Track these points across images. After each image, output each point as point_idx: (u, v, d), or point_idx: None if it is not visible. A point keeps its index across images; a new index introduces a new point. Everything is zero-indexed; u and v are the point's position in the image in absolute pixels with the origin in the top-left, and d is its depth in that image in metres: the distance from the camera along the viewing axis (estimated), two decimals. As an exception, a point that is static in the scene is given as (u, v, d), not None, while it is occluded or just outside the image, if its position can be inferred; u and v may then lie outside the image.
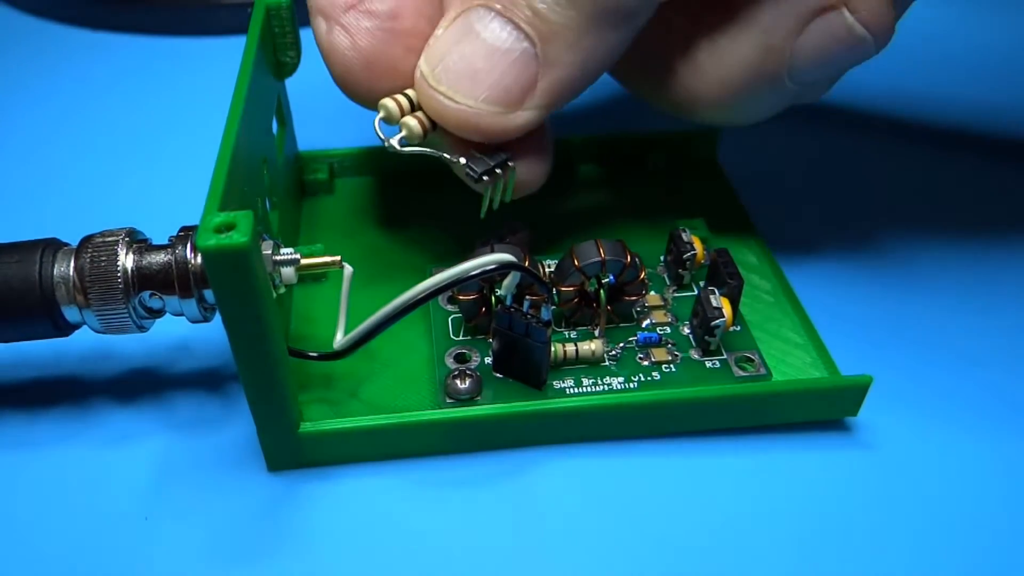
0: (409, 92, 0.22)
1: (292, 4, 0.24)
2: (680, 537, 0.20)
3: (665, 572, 0.19)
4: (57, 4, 0.41)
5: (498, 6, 0.20)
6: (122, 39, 0.40)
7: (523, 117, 0.21)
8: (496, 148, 0.22)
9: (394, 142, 0.21)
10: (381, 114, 0.22)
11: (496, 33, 0.20)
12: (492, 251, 0.20)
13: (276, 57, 0.25)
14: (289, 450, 0.21)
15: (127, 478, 0.21)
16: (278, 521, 0.20)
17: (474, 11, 0.20)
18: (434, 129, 0.22)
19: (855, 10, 0.21)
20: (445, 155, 0.22)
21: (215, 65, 0.38)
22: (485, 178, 0.22)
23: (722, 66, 0.23)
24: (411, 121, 0.21)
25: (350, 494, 0.21)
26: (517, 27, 0.20)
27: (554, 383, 0.22)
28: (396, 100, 0.21)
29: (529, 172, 0.23)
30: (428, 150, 0.22)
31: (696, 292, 0.25)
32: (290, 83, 0.27)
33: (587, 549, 0.20)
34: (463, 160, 0.22)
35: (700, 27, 0.23)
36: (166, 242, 0.20)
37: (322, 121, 0.33)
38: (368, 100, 0.22)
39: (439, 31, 0.21)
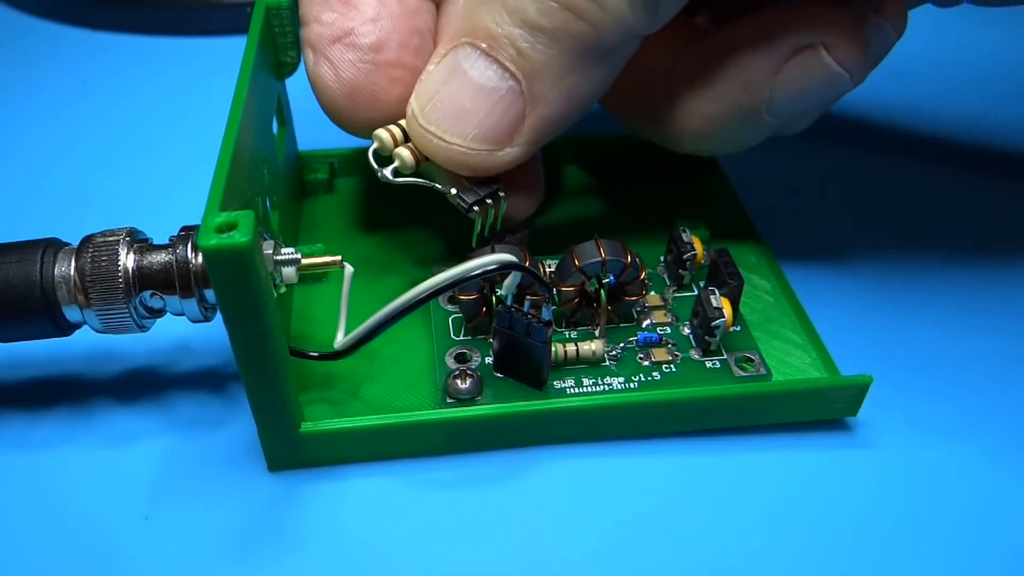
0: (402, 123, 0.22)
1: (292, 4, 0.24)
2: (680, 536, 0.20)
3: (666, 571, 0.19)
4: (57, 4, 0.41)
5: (484, 45, 0.20)
6: (122, 39, 0.40)
7: (511, 154, 0.21)
8: (487, 179, 0.23)
9: (387, 172, 0.22)
10: (375, 144, 0.22)
11: (482, 72, 0.20)
12: (493, 251, 0.20)
13: (277, 57, 0.25)
14: (290, 450, 0.21)
15: (128, 478, 0.21)
16: (279, 521, 0.20)
17: (461, 49, 0.21)
18: (426, 159, 0.22)
19: (831, 48, 0.21)
20: (437, 185, 0.22)
21: (215, 65, 0.38)
22: (476, 208, 0.22)
23: (703, 102, 0.23)
24: (404, 152, 0.22)
25: (351, 494, 0.21)
26: (502, 66, 0.20)
27: (555, 383, 0.22)
28: (389, 131, 0.22)
29: (519, 203, 0.24)
30: (420, 180, 0.22)
31: (696, 292, 0.25)
32: (290, 83, 0.27)
33: (588, 549, 0.20)
34: (454, 191, 0.22)
35: (682, 63, 0.24)
36: (166, 242, 0.20)
37: (322, 121, 0.32)
38: (353, 128, 0.23)
39: (430, 67, 0.21)
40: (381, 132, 0.22)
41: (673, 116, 0.24)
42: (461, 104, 0.21)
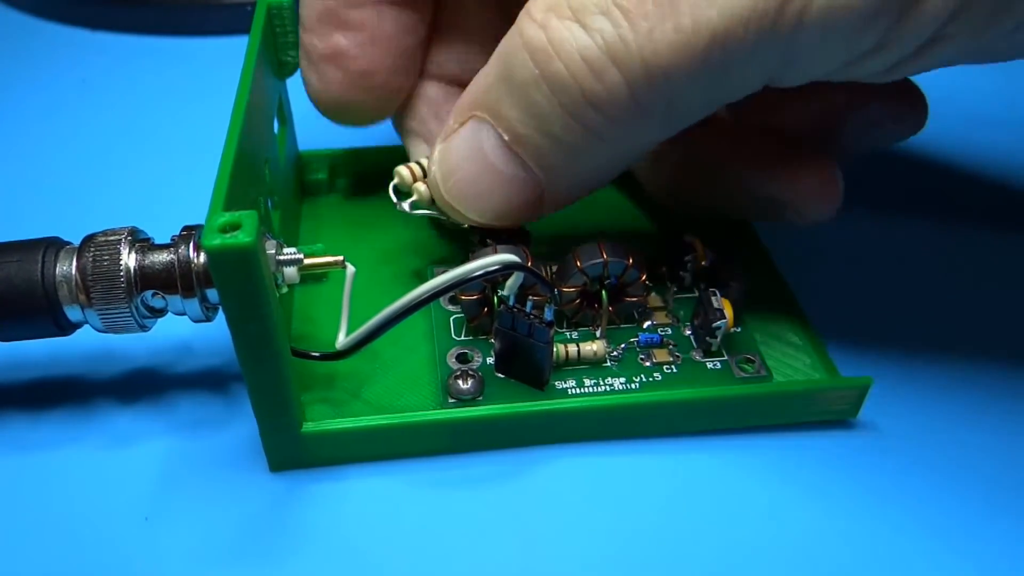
0: (422, 161, 0.24)
1: (294, 4, 0.24)
2: (681, 535, 0.20)
3: (666, 570, 0.19)
4: (57, 4, 0.41)
5: (506, 137, 0.20)
6: (122, 39, 0.40)
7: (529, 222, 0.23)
8: None
9: (405, 205, 0.24)
10: (395, 180, 0.24)
11: (503, 161, 0.21)
12: (495, 251, 0.20)
13: (278, 56, 0.25)
14: (291, 450, 0.21)
15: (129, 478, 0.21)
16: (280, 521, 0.20)
17: (484, 129, 0.21)
18: None
19: (801, 210, 0.24)
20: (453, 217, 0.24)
21: (215, 65, 0.38)
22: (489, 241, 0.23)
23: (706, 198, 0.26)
24: (422, 187, 0.23)
25: (352, 494, 0.21)
26: (523, 162, 0.20)
27: (556, 383, 0.22)
28: (409, 168, 0.24)
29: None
30: (436, 213, 0.23)
31: (697, 294, 0.25)
32: (291, 82, 0.27)
33: (589, 548, 0.20)
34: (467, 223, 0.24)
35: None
36: (168, 241, 0.20)
37: (322, 121, 0.33)
38: (341, 123, 0.26)
39: (452, 124, 0.21)
40: (401, 169, 0.24)
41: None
42: (480, 187, 0.21)
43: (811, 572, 0.19)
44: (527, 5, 0.19)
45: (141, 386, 0.23)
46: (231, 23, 0.39)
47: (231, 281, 0.17)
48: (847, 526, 0.20)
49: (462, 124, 0.21)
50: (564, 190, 0.22)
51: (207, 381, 0.23)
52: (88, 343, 0.23)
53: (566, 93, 0.19)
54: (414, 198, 0.23)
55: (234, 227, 0.16)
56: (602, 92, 0.18)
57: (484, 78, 0.21)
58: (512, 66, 0.19)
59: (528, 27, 0.19)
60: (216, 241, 0.16)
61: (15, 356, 0.23)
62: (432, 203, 0.24)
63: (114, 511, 0.20)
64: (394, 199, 0.24)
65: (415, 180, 0.24)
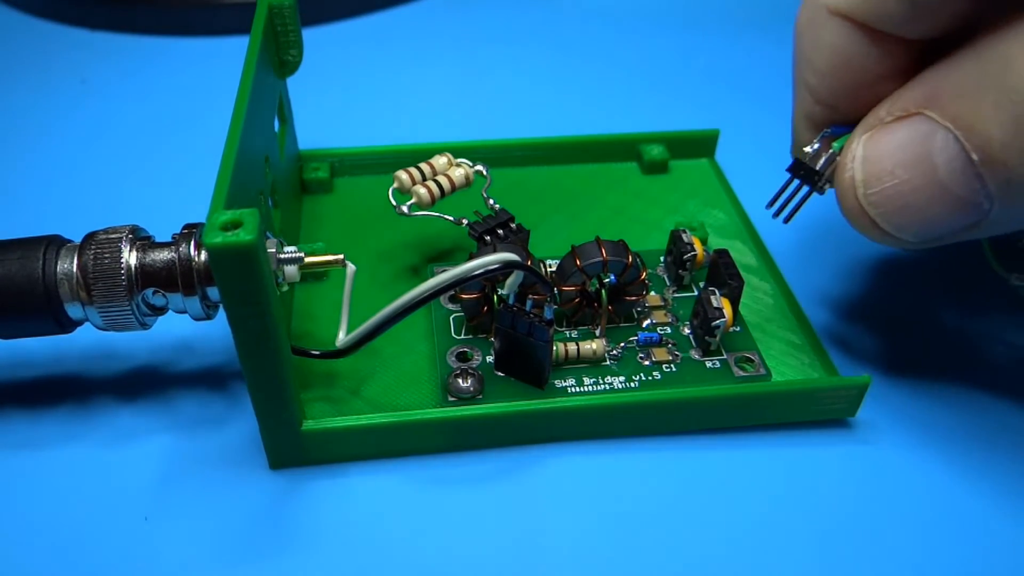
0: (422, 166, 0.24)
1: (295, 3, 0.25)
2: (680, 533, 0.20)
3: (666, 568, 0.19)
4: (57, 4, 0.41)
5: (974, 157, 0.17)
6: (122, 39, 0.40)
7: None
8: (500, 211, 0.25)
9: (404, 208, 0.24)
10: (395, 184, 0.24)
11: (958, 180, 0.17)
12: (495, 250, 0.20)
13: (279, 56, 0.25)
14: (291, 448, 0.21)
15: (129, 476, 0.21)
16: (280, 519, 0.20)
17: (940, 136, 0.17)
18: (442, 196, 0.24)
19: None
20: (449, 217, 0.24)
21: (215, 65, 0.38)
22: (486, 238, 0.24)
23: None
24: (420, 190, 0.24)
25: (352, 492, 0.21)
26: (986, 188, 0.17)
27: (555, 382, 0.22)
28: (408, 172, 0.24)
29: None
30: (435, 214, 0.24)
31: (696, 293, 0.25)
32: (291, 82, 0.27)
33: (589, 546, 0.20)
34: (465, 222, 0.24)
35: None
36: (168, 240, 0.20)
37: (323, 120, 0.33)
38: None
39: (886, 114, 0.18)
40: (401, 173, 0.24)
41: None
42: (917, 203, 0.18)
43: (810, 571, 0.19)
44: None
45: (141, 384, 0.23)
46: (231, 23, 0.39)
47: (232, 279, 0.17)
48: (845, 525, 0.20)
49: (903, 118, 0.18)
50: (1007, 226, 0.18)
51: (207, 379, 0.23)
52: (89, 341, 0.23)
53: None
54: (412, 201, 0.24)
55: (235, 225, 0.16)
56: None
57: (954, 75, 0.17)
58: (1016, 82, 0.16)
59: None
60: (218, 239, 0.16)
61: (16, 354, 0.23)
62: (432, 204, 0.24)
63: (114, 509, 0.20)
64: (393, 202, 0.24)
65: (414, 183, 0.24)
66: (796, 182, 0.22)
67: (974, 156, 0.17)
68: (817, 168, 0.21)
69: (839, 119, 0.20)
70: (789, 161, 0.22)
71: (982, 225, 0.18)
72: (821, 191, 0.21)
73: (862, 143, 0.19)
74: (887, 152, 0.18)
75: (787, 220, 0.22)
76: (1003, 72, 0.16)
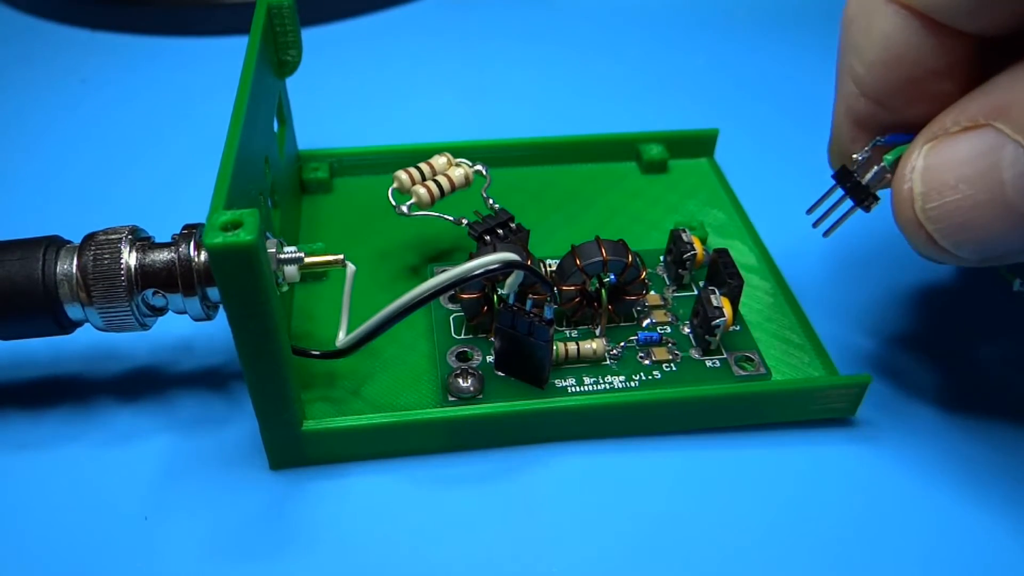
0: (421, 166, 0.24)
1: (294, 3, 0.25)
2: (680, 532, 0.20)
3: (666, 566, 0.19)
4: (57, 4, 0.41)
5: None
6: (122, 39, 0.40)
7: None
8: (499, 211, 0.25)
9: (404, 208, 0.24)
10: (395, 184, 0.24)
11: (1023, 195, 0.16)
12: (495, 250, 0.20)
13: (278, 56, 0.25)
14: (292, 448, 0.21)
15: (129, 477, 0.21)
16: (281, 519, 0.20)
17: (1010, 149, 0.16)
18: (442, 196, 0.24)
19: None
20: (448, 217, 0.24)
21: (215, 65, 0.38)
22: (487, 237, 0.24)
23: None
24: (420, 190, 0.24)
25: (352, 492, 0.21)
26: None
27: (555, 382, 0.22)
28: (408, 172, 0.24)
29: None
30: (435, 213, 0.24)
31: (696, 292, 0.25)
32: (290, 82, 0.27)
33: (589, 545, 0.20)
34: (465, 222, 0.24)
35: None
36: (168, 240, 0.20)
37: (322, 120, 0.33)
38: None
39: (951, 123, 0.17)
40: (400, 173, 0.24)
41: None
42: (980, 220, 0.17)
43: (810, 570, 0.19)
44: None
45: (141, 384, 0.23)
46: (231, 23, 0.39)
47: (232, 279, 0.17)
48: (845, 523, 0.20)
49: (970, 129, 0.17)
50: None
51: (207, 379, 0.23)
52: (88, 341, 0.23)
53: None
54: (412, 201, 0.24)
55: (235, 225, 0.16)
56: None
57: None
58: None
59: None
60: (218, 239, 0.16)
61: (16, 355, 0.23)
62: (431, 204, 0.24)
63: (114, 509, 0.20)
64: (393, 202, 0.24)
65: (413, 183, 0.24)
66: (840, 191, 0.21)
67: None
68: (864, 182, 0.20)
69: (884, 117, 0.19)
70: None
71: None
72: (867, 209, 0.20)
73: (923, 153, 0.18)
74: (951, 165, 0.17)
75: (827, 234, 0.21)
76: None
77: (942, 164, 0.17)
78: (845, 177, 0.20)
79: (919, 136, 0.18)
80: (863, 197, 0.20)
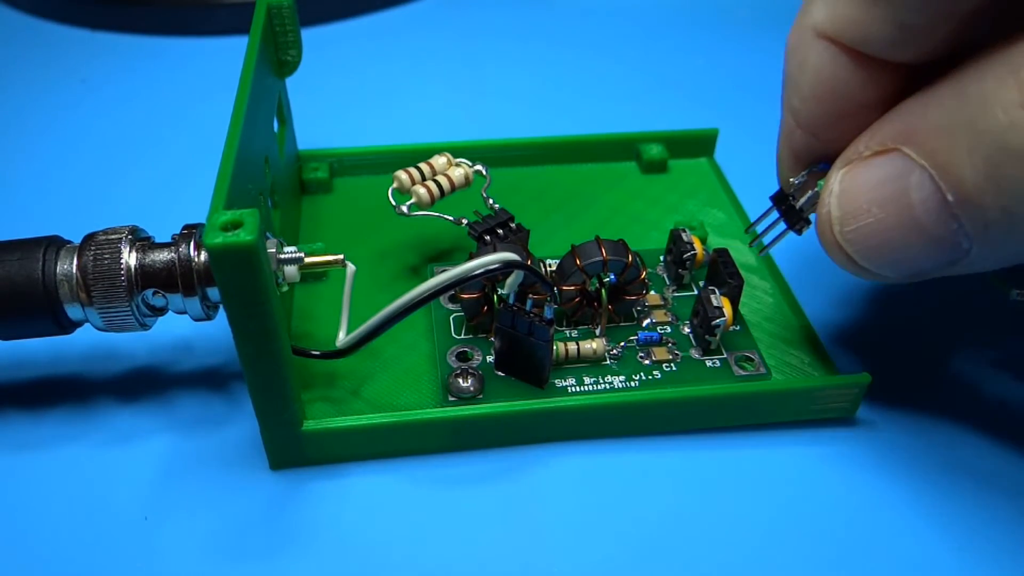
0: (421, 166, 0.24)
1: (294, 3, 0.25)
2: (680, 532, 0.20)
3: (667, 567, 0.19)
4: (57, 4, 0.41)
5: (951, 197, 0.16)
6: (122, 39, 0.40)
7: None
8: (499, 211, 0.25)
9: (404, 208, 0.24)
10: (394, 184, 0.24)
11: (934, 220, 0.17)
12: (495, 250, 0.20)
13: (278, 56, 0.25)
14: (292, 448, 0.21)
15: (130, 477, 0.21)
16: (281, 519, 0.20)
17: (917, 175, 0.17)
18: (442, 196, 0.24)
19: None
20: (448, 217, 0.24)
21: (215, 65, 0.38)
22: (487, 237, 0.24)
23: None
24: (420, 190, 0.24)
25: (352, 492, 0.21)
26: (964, 231, 0.16)
27: (556, 382, 0.22)
28: (408, 172, 0.24)
29: None
30: (435, 213, 0.24)
31: (696, 292, 0.25)
32: (290, 82, 0.27)
33: (589, 545, 0.20)
34: (465, 222, 0.24)
35: None
36: (168, 240, 0.20)
37: (322, 120, 0.33)
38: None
39: (864, 148, 0.18)
40: (400, 173, 0.24)
41: None
42: (894, 241, 0.17)
43: (808, 570, 0.19)
44: None
45: (141, 384, 0.23)
46: (231, 23, 0.39)
47: (233, 279, 0.17)
48: (845, 523, 0.20)
49: (880, 153, 0.17)
50: (987, 264, 0.17)
51: (207, 380, 0.23)
52: (88, 341, 0.23)
53: None
54: (412, 201, 0.24)
55: (235, 225, 0.16)
56: None
57: (932, 110, 0.17)
58: (990, 123, 0.15)
59: None
60: (218, 239, 0.16)
61: (16, 355, 0.23)
62: (431, 204, 0.24)
63: (114, 509, 0.20)
64: (392, 202, 0.24)
65: (413, 183, 0.24)
66: (777, 213, 0.21)
67: (949, 197, 0.16)
68: (798, 206, 0.21)
69: (819, 148, 0.20)
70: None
71: (963, 263, 0.17)
72: (799, 232, 0.21)
73: (839, 178, 0.18)
74: (863, 189, 0.18)
75: (761, 252, 0.23)
76: (979, 112, 0.15)
77: (856, 188, 0.18)
78: (781, 200, 0.21)
79: (837, 161, 0.19)
80: (795, 221, 0.21)
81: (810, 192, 0.20)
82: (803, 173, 0.20)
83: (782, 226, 0.21)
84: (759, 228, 0.22)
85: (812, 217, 0.21)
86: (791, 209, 0.21)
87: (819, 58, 0.18)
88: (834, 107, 0.19)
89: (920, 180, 0.17)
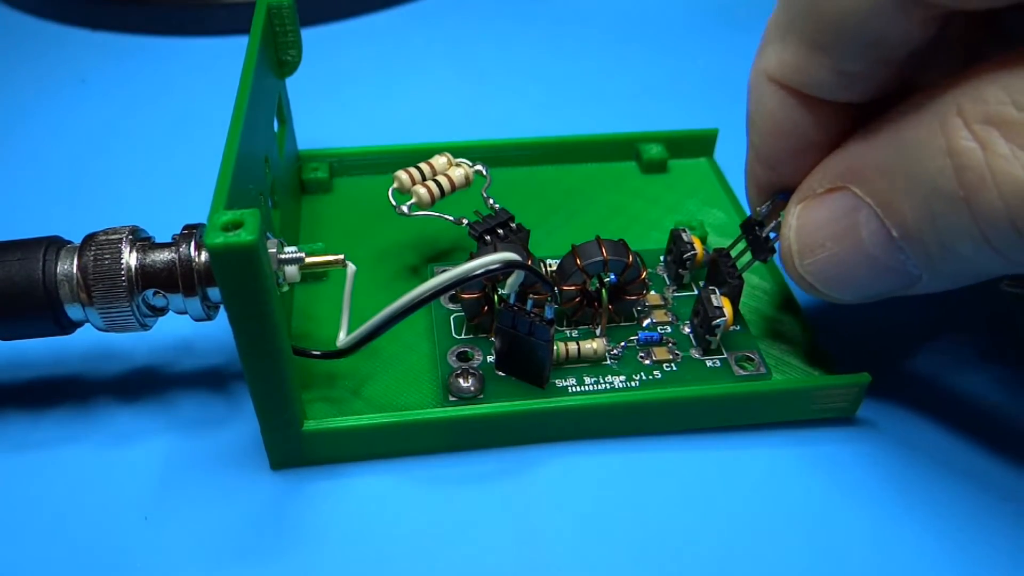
0: (422, 166, 0.24)
1: (294, 3, 0.25)
2: (680, 532, 0.20)
3: (667, 567, 0.19)
4: (57, 4, 0.41)
5: (895, 233, 0.17)
6: (122, 39, 0.40)
7: None
8: (499, 211, 0.24)
9: (404, 208, 0.24)
10: (395, 184, 0.24)
11: (883, 252, 0.18)
12: (496, 250, 0.20)
13: (278, 56, 0.25)
14: (292, 448, 0.21)
15: (130, 478, 0.21)
16: (281, 519, 0.20)
17: (864, 212, 0.18)
18: (442, 196, 0.24)
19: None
20: (449, 217, 0.24)
21: (215, 65, 0.38)
22: (487, 237, 0.24)
23: None
24: (420, 190, 0.24)
25: (352, 492, 0.21)
26: (907, 257, 0.18)
27: (556, 381, 0.22)
28: (408, 172, 0.24)
29: None
30: (435, 213, 0.24)
31: (696, 292, 0.25)
32: (290, 82, 0.27)
33: (589, 544, 0.20)
34: (466, 222, 0.24)
35: None
36: (168, 240, 0.20)
37: (322, 120, 0.33)
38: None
39: (817, 186, 0.19)
40: (400, 173, 0.24)
41: None
42: (849, 271, 0.19)
43: (808, 570, 0.19)
44: (959, 98, 0.16)
45: (142, 385, 0.23)
46: (231, 23, 0.39)
47: (233, 279, 0.17)
48: (844, 523, 0.20)
49: (832, 191, 0.19)
50: (943, 287, 0.18)
51: (208, 380, 0.23)
52: (89, 342, 0.23)
53: (994, 227, 0.16)
54: (412, 201, 0.24)
55: (236, 225, 0.16)
56: None
57: (873, 151, 0.18)
58: (923, 167, 0.16)
59: (959, 136, 0.16)
60: (219, 239, 0.16)
61: (16, 356, 0.23)
62: (432, 204, 0.24)
63: (114, 510, 0.20)
64: (393, 203, 0.24)
65: (414, 183, 0.24)
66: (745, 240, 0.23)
67: (894, 232, 0.17)
68: (763, 235, 0.22)
69: (779, 180, 0.21)
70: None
71: (918, 287, 0.18)
72: (763, 260, 0.23)
73: (796, 213, 0.20)
74: (818, 224, 0.19)
75: (734, 276, 0.23)
76: (913, 158, 0.17)
77: (811, 224, 0.19)
78: (748, 229, 0.23)
79: (794, 196, 0.20)
80: (760, 250, 0.22)
81: (775, 222, 0.21)
82: (767, 203, 0.22)
83: (747, 258, 0.23)
84: (733, 253, 0.23)
85: (777, 246, 0.22)
86: (756, 239, 0.22)
87: (771, 100, 0.20)
88: (788, 145, 0.20)
89: (868, 216, 0.18)
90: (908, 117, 0.17)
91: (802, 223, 0.19)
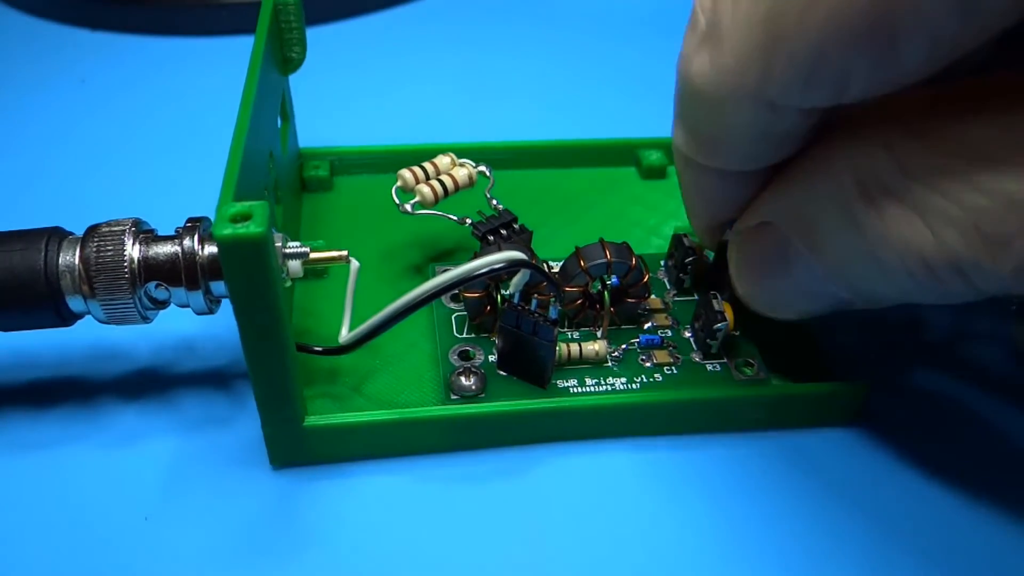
0: (425, 165, 0.24)
1: (299, 0, 0.25)
2: (680, 534, 0.20)
3: (667, 568, 0.19)
4: (57, 4, 0.41)
5: (819, 271, 0.19)
6: (122, 39, 0.40)
7: None
8: (502, 211, 0.25)
9: (408, 207, 0.24)
10: (398, 183, 0.24)
11: (811, 279, 0.19)
12: (500, 249, 0.20)
13: (283, 52, 0.25)
14: (294, 445, 0.20)
15: (132, 476, 0.21)
16: (282, 518, 0.20)
17: (792, 244, 0.19)
18: (445, 196, 0.24)
19: None
20: (452, 216, 0.24)
21: (216, 65, 0.38)
22: (490, 238, 0.24)
23: None
24: (424, 189, 0.24)
25: (354, 490, 0.21)
26: (830, 281, 0.19)
27: (557, 382, 0.22)
28: (412, 171, 0.24)
29: None
30: (438, 212, 0.24)
31: (697, 297, 0.25)
32: (293, 79, 0.27)
33: (589, 545, 0.20)
34: (469, 221, 0.24)
35: None
36: (171, 233, 0.20)
37: (324, 118, 0.33)
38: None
39: (749, 219, 0.20)
40: (404, 172, 0.24)
41: None
42: (786, 296, 0.20)
43: (809, 571, 0.19)
44: (854, 158, 0.17)
45: (143, 385, 0.23)
46: (232, 23, 0.39)
47: (241, 271, 0.17)
48: (845, 527, 0.20)
49: (763, 226, 0.20)
50: (880, 305, 0.19)
51: (210, 379, 0.23)
52: (91, 341, 0.23)
53: (895, 277, 0.17)
54: (416, 199, 0.24)
55: (245, 217, 0.16)
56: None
57: (794, 197, 0.19)
58: (829, 217, 0.18)
59: (855, 200, 0.17)
60: (227, 231, 0.16)
61: (17, 354, 0.23)
62: (435, 203, 0.24)
63: (116, 508, 0.20)
64: (396, 201, 0.24)
65: (417, 182, 0.24)
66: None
67: (819, 268, 0.19)
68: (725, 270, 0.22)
69: (718, 225, 0.22)
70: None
71: (856, 305, 0.19)
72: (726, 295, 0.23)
73: (736, 246, 0.21)
74: (753, 258, 0.20)
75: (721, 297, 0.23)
76: (822, 208, 0.18)
77: (748, 258, 0.21)
78: (719, 258, 0.23)
79: (732, 230, 0.21)
80: (723, 288, 0.23)
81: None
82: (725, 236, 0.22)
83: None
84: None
85: None
86: (720, 275, 0.23)
87: (686, 172, 0.21)
88: (715, 209, 0.21)
89: (796, 251, 0.19)
90: (817, 164, 0.18)
91: (741, 256, 0.21)
